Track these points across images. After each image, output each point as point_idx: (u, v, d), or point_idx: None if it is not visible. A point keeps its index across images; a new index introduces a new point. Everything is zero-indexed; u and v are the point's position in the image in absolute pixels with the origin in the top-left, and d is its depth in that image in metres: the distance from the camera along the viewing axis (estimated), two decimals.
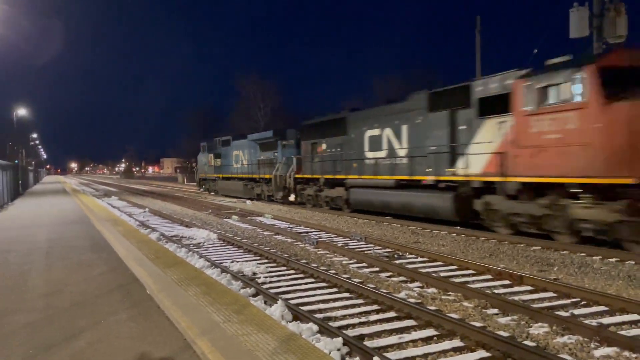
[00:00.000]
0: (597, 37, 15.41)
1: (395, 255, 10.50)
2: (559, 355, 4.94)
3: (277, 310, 6.20)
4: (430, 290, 7.66)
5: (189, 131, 75.29)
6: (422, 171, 14.82)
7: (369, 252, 10.93)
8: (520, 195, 11.79)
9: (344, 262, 9.93)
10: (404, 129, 15.62)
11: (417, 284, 8.09)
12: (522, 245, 11.26)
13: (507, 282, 8.08)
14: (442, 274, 8.64)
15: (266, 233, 14.43)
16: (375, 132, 17.10)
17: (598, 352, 5.11)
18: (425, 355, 5.13)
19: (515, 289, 7.69)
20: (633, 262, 9.20)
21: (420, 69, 46.24)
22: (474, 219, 13.45)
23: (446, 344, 5.39)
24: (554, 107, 10.68)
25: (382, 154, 16.72)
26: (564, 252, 10.37)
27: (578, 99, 10.19)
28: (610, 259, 9.53)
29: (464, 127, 13.28)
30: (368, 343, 5.38)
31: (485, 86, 12.64)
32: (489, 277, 8.44)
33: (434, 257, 10.04)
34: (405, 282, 8.26)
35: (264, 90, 58.66)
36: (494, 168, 12.27)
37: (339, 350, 5.11)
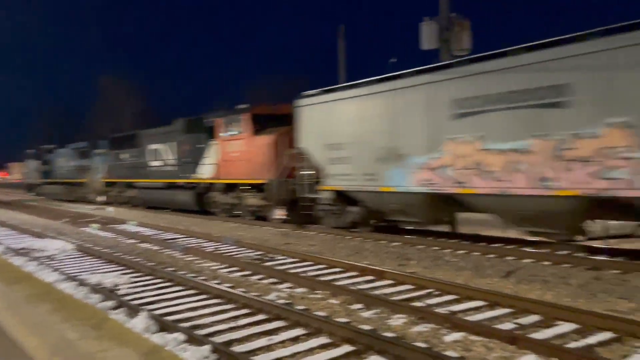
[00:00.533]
0: (445, 50, 16.83)
1: (266, 258, 10.55)
2: (414, 343, 5.32)
3: (140, 323, 5.88)
4: (299, 290, 7.82)
5: (43, 132, 68.35)
6: (179, 176, 20.00)
7: (239, 256, 10.85)
8: (225, 191, 17.56)
9: (213, 268, 9.76)
10: (172, 145, 20.77)
11: (287, 284, 8.21)
12: (384, 242, 11.96)
13: (371, 277, 8.53)
14: (311, 274, 8.87)
15: (130, 241, 13.67)
16: (155, 146, 22.15)
17: (449, 338, 5.60)
18: (293, 354, 5.23)
19: (378, 283, 8.16)
20: (479, 253, 10.22)
21: (301, 73, 46.57)
22: (207, 208, 18.77)
23: (313, 342, 5.53)
24: (234, 136, 16.77)
25: (158, 163, 21.94)
26: (421, 246, 11.21)
27: (242, 132, 16.36)
28: (459, 251, 10.50)
29: (202, 145, 18.51)
30: (237, 348, 5.34)
31: (208, 119, 18.20)
32: (355, 273, 8.84)
33: (303, 257, 10.27)
34: (276, 283, 8.34)
35: (128, 91, 55.45)
36: (213, 174, 17.87)
37: (206, 358, 5.00)
